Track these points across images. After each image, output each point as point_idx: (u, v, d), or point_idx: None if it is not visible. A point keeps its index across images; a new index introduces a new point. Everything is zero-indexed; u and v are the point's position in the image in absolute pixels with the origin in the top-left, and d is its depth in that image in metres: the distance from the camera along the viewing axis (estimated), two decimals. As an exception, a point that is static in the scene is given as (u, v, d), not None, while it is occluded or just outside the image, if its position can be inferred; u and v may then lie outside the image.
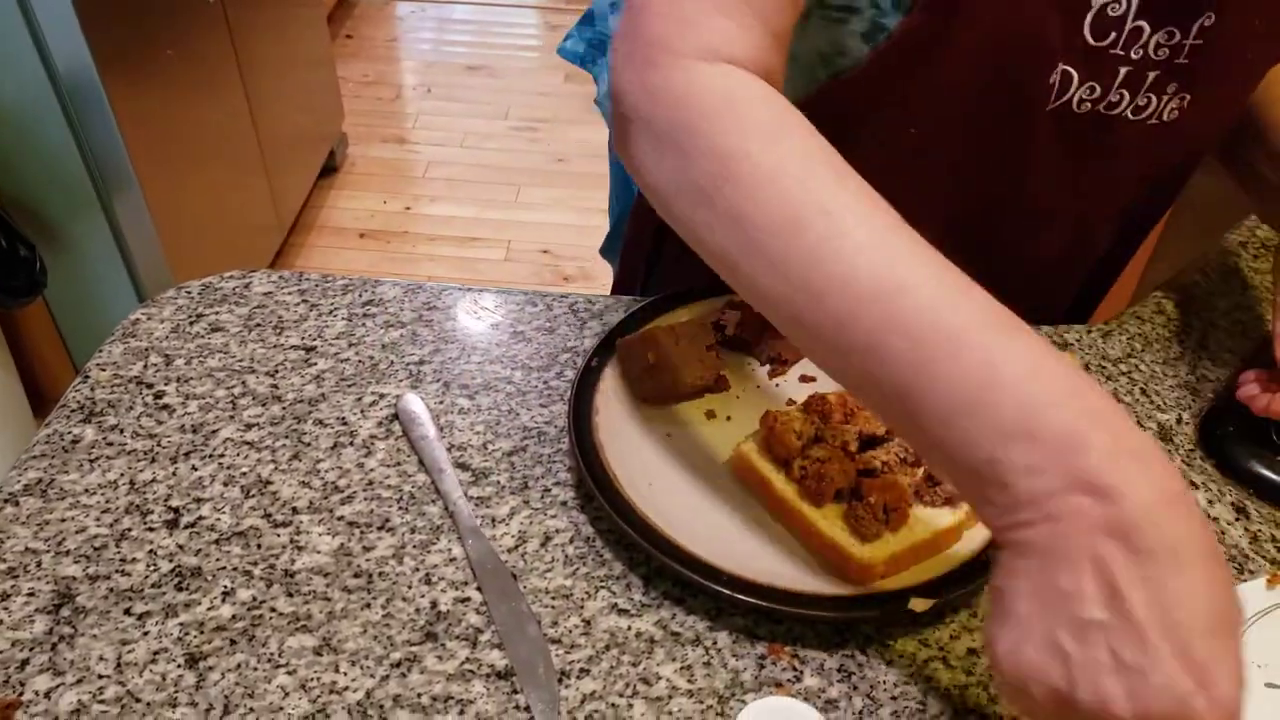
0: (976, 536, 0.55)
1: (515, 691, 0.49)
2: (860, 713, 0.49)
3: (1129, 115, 0.62)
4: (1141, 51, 0.59)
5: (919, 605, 0.51)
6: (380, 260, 2.22)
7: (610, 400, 0.63)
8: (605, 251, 1.02)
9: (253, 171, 1.96)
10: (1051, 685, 0.36)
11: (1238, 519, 0.60)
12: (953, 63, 0.59)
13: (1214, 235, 0.83)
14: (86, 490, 0.58)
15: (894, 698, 0.50)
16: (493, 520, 0.58)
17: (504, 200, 2.40)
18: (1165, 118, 0.62)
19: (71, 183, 1.54)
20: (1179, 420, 0.66)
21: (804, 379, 0.66)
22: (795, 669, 0.51)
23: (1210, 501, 0.61)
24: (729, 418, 0.64)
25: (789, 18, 0.51)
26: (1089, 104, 0.61)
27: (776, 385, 0.66)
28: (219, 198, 1.85)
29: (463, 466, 0.61)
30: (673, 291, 0.71)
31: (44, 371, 1.71)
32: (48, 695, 0.48)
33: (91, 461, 0.60)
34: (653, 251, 0.81)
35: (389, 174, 2.49)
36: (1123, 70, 0.60)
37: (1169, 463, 0.37)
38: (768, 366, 0.67)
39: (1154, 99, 0.61)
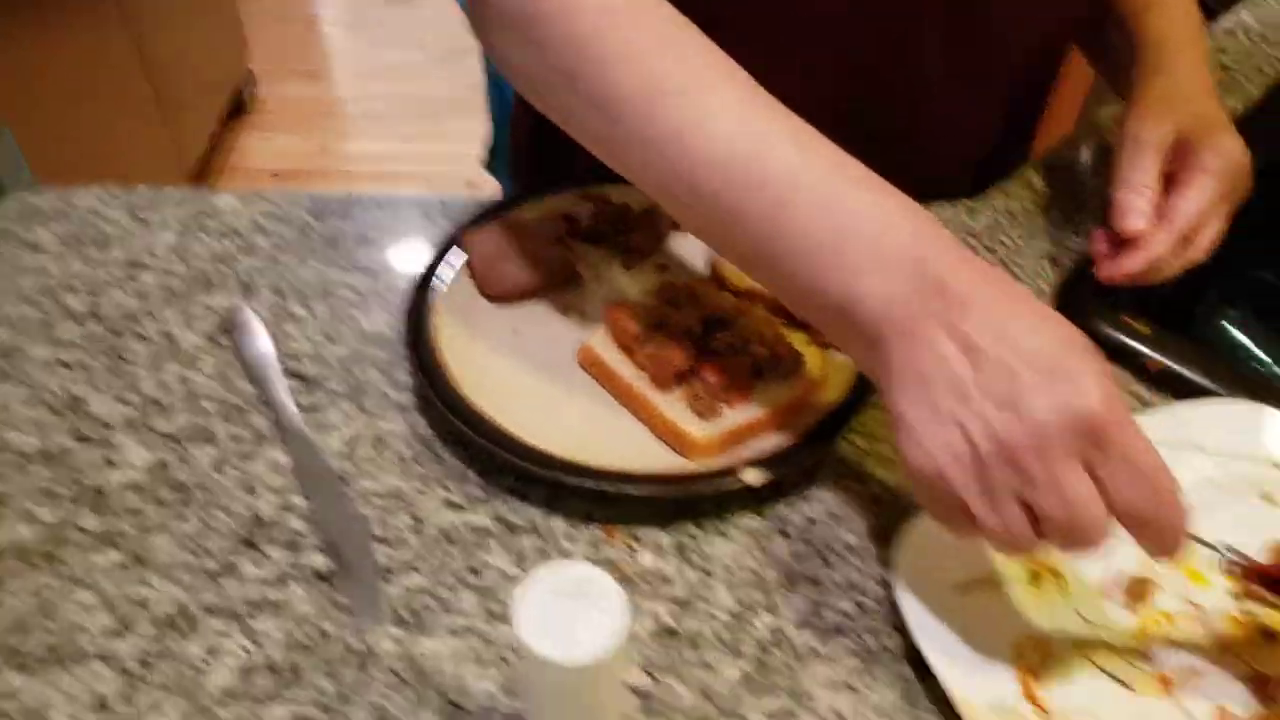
0: (820, 409, 0.54)
1: (336, 590, 0.47)
2: (695, 585, 0.48)
3: None
4: None
5: (752, 477, 0.49)
6: (289, 201, 2.14)
7: (455, 299, 0.60)
8: (490, 166, 0.99)
9: (145, 115, 1.87)
10: (955, 454, 0.39)
11: (1086, 379, 0.59)
12: None
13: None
14: (-121, 419, 0.54)
15: (729, 569, 0.49)
16: (322, 426, 0.55)
17: (426, 133, 2.32)
18: None
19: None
20: (1038, 291, 0.65)
21: (659, 268, 0.64)
22: (631, 549, 0.49)
23: (1060, 364, 0.60)
24: (582, 312, 0.61)
25: None
26: None
27: (632, 278, 0.64)
28: (107, 138, 1.76)
29: (294, 375, 0.58)
30: (524, 190, 0.68)
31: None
32: None
33: (-114, 390, 0.56)
34: (536, 148, 0.78)
35: (304, 112, 2.39)
36: None
37: (982, 261, 0.42)
38: (621, 257, 0.65)
39: None
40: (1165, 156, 0.58)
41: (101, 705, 0.43)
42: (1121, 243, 0.58)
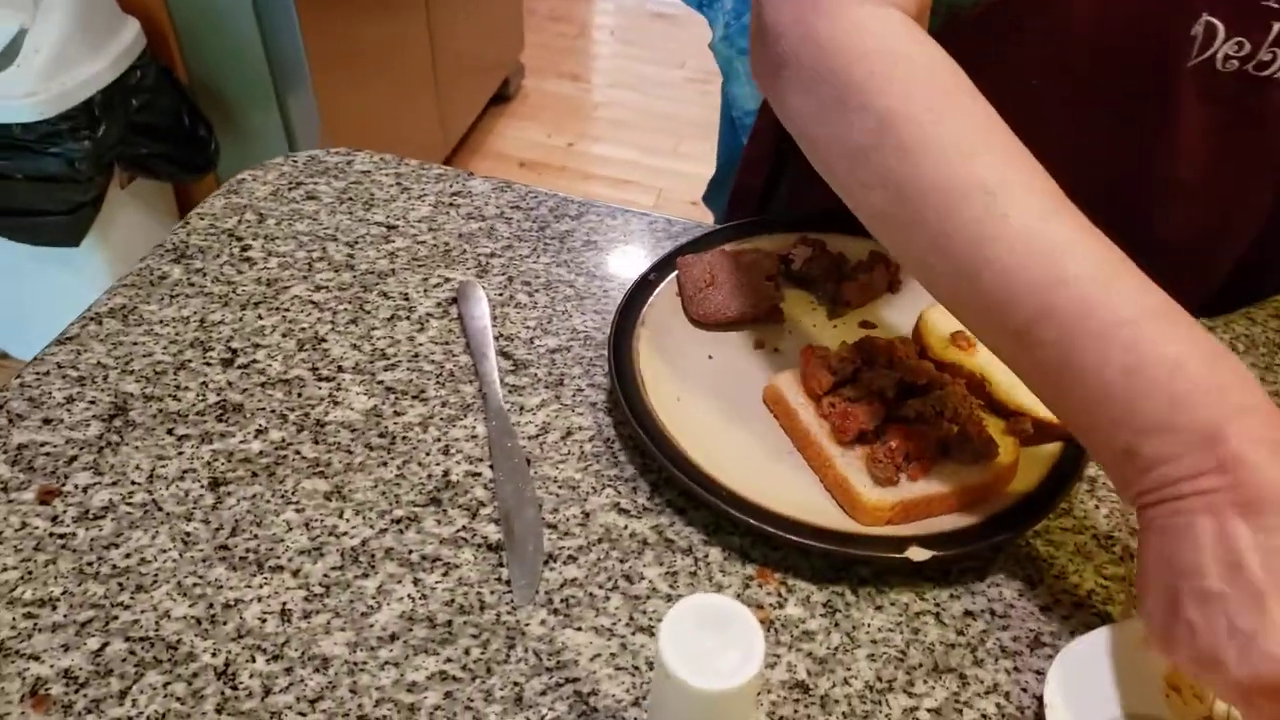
0: (998, 502, 0.52)
1: (501, 565, 0.50)
2: (836, 649, 0.48)
3: None
4: None
5: (917, 554, 0.48)
6: (530, 190, 2.27)
7: (660, 315, 0.63)
8: (707, 199, 1.01)
9: (424, 90, 2.04)
10: (1178, 652, 0.39)
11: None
12: (1082, 3, 0.55)
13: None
14: (161, 321, 0.63)
15: (874, 641, 0.48)
16: (521, 408, 0.59)
17: (663, 148, 2.40)
18: None
19: (253, 75, 1.64)
20: None
21: (863, 324, 0.64)
22: (780, 596, 0.50)
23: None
24: (776, 349, 0.62)
25: None
26: (1235, 62, 0.55)
27: (834, 327, 0.64)
28: (388, 110, 1.93)
29: (506, 355, 0.62)
30: (749, 220, 0.69)
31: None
32: (85, 490, 0.52)
33: (171, 297, 0.65)
34: (761, 201, 0.79)
35: (559, 109, 2.53)
36: (1276, 26, 0.54)
37: None
38: (827, 307, 0.65)
39: None
40: None
41: (284, 613, 0.48)
42: None
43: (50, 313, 1.66)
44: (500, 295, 0.66)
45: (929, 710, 0.46)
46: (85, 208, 1.47)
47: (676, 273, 0.64)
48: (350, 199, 0.74)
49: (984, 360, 0.57)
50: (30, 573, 0.48)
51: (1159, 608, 0.40)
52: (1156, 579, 0.40)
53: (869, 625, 0.49)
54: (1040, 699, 0.45)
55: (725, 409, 0.57)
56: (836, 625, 0.49)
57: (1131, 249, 0.42)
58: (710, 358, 0.61)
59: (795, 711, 0.45)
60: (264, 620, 0.47)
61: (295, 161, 0.77)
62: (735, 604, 0.38)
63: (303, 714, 0.44)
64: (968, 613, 0.49)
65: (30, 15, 1.40)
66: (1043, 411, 0.54)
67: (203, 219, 0.71)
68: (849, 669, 0.47)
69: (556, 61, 2.70)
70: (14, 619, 0.46)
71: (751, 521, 0.50)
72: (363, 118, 1.84)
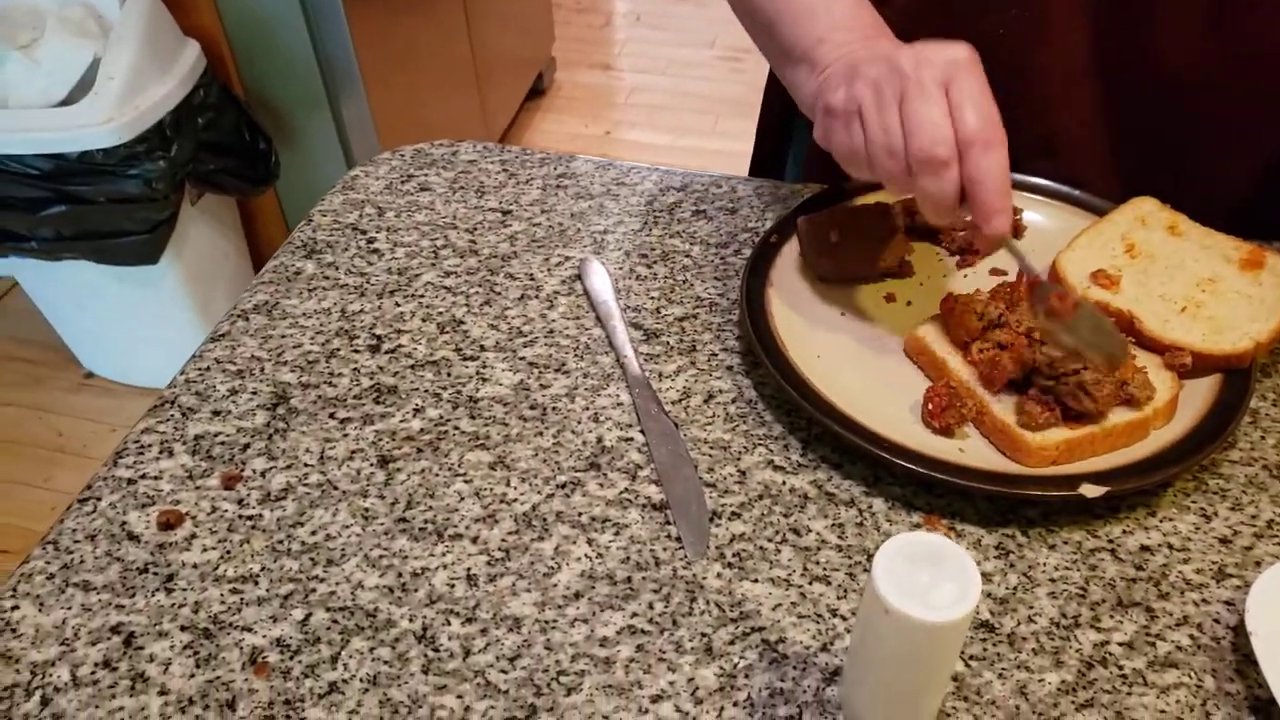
0: (1163, 436, 0.52)
1: (668, 523, 0.51)
2: (1015, 589, 0.48)
3: None
4: None
5: (1090, 491, 0.49)
6: (575, 181, 2.28)
7: (786, 276, 0.63)
8: (756, 172, 1.01)
9: (467, 87, 2.06)
10: (862, 83, 0.51)
11: None
12: None
13: None
14: (304, 314, 0.64)
15: (1053, 580, 0.48)
16: (659, 375, 0.60)
17: (701, 129, 2.41)
18: None
19: (307, 83, 1.67)
20: None
21: (994, 272, 0.64)
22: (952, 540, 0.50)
23: None
24: (909, 303, 0.62)
25: None
26: None
27: (964, 276, 0.64)
28: (435, 108, 1.96)
29: (635, 326, 0.63)
30: (863, 182, 0.70)
31: (271, 254, 1.89)
32: (263, 475, 0.54)
33: (310, 290, 0.66)
34: (783, 131, 0.81)
35: (593, 99, 2.55)
36: None
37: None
38: (956, 257, 0.65)
39: None
40: None
41: (470, 578, 0.49)
42: None
43: (132, 330, 1.71)
44: (620, 269, 0.67)
45: (1120, 644, 0.46)
46: (162, 226, 1.50)
47: (798, 233, 0.65)
48: (462, 188, 0.75)
49: (1131, 298, 0.57)
50: (229, 552, 0.50)
51: (835, 76, 0.54)
52: (832, 82, 0.53)
53: (1045, 564, 0.49)
54: (1235, 629, 0.45)
55: (867, 363, 0.58)
56: (1012, 566, 0.49)
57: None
58: (843, 314, 0.61)
59: (985, 650, 0.46)
60: (452, 586, 0.49)
61: (403, 155, 0.79)
62: (945, 540, 0.39)
63: (504, 672, 0.45)
64: (1144, 548, 0.50)
65: (102, 44, 1.44)
66: (1199, 345, 0.54)
67: (325, 215, 0.73)
68: (1031, 607, 0.47)
69: (587, 52, 2.72)
70: (222, 594, 0.48)
71: (917, 469, 0.50)
72: (411, 119, 1.86)
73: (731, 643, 0.46)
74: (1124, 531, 0.50)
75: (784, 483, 0.53)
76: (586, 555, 0.50)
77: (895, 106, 0.49)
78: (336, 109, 1.72)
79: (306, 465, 0.55)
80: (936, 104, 0.48)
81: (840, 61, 0.55)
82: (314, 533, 0.51)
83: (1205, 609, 0.47)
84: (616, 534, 0.51)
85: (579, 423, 0.57)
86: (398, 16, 1.77)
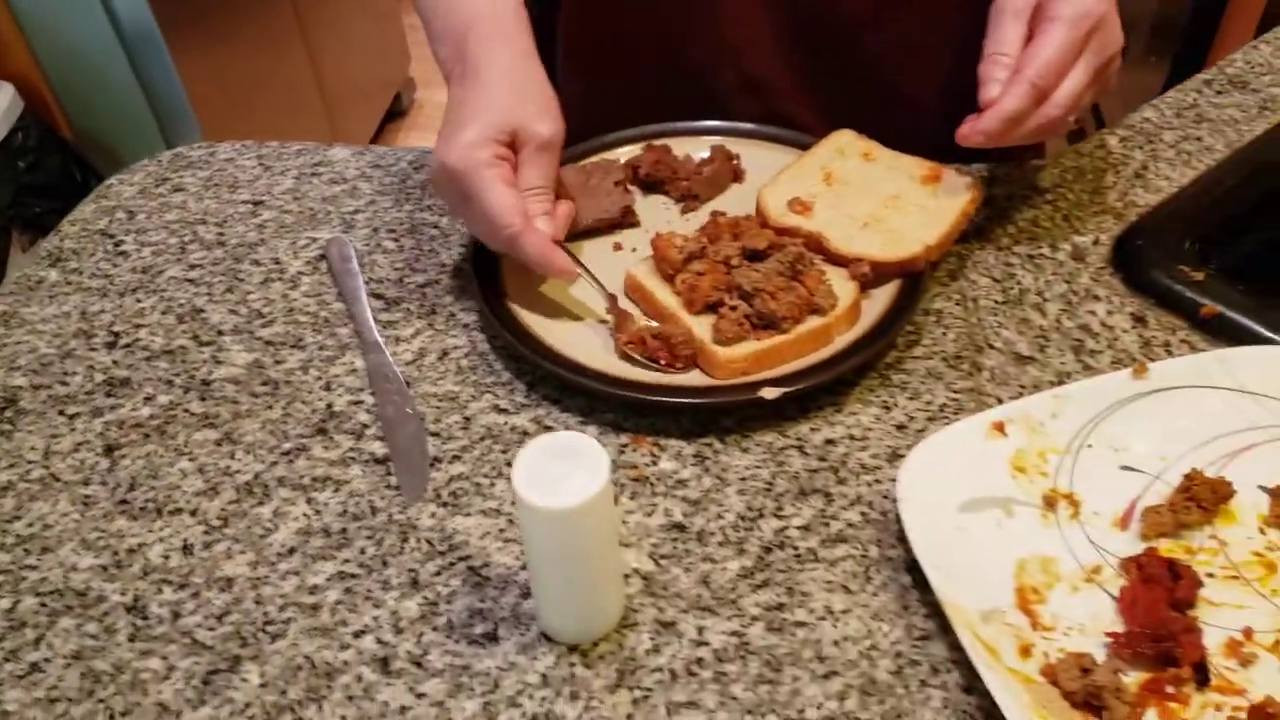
0: (845, 340, 0.56)
1: (389, 474, 0.53)
2: (707, 491, 0.51)
3: None
4: None
5: (769, 393, 0.52)
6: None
7: (521, 234, 0.65)
8: None
9: (314, 116, 2.04)
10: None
11: (1134, 326, 0.58)
12: None
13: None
14: (42, 320, 0.64)
15: (743, 478, 0.52)
16: (397, 339, 0.61)
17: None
18: None
19: (137, 121, 1.64)
20: (1095, 241, 0.64)
21: (715, 214, 0.67)
22: (654, 456, 0.53)
23: (1109, 312, 0.59)
24: (634, 249, 0.65)
25: None
26: None
27: (687, 221, 0.67)
28: (282, 137, 1.93)
29: (377, 296, 0.65)
30: (594, 141, 0.72)
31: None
32: (-16, 475, 0.54)
33: (50, 298, 0.66)
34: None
35: (454, 117, 2.54)
36: None
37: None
38: (680, 204, 0.69)
39: None
40: (1025, 21, 0.56)
41: (185, 548, 0.50)
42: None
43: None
44: (367, 245, 0.69)
45: (798, 527, 0.49)
46: (-13, 272, 1.46)
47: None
48: (216, 185, 0.76)
49: (822, 221, 0.61)
50: (-69, 550, 0.50)
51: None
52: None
53: (737, 466, 0.52)
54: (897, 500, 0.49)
55: (590, 309, 0.61)
56: (707, 471, 0.52)
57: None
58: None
59: (675, 549, 0.49)
60: (167, 557, 0.50)
61: (160, 161, 0.79)
62: (582, 436, 0.41)
63: (211, 629, 0.46)
64: (828, 441, 0.53)
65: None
66: (877, 254, 0.58)
67: (74, 224, 0.73)
68: (721, 505, 0.50)
69: (446, 68, 2.71)
70: (-81, 591, 0.48)
71: (619, 392, 0.53)
72: (252, 145, 1.84)
73: (438, 574, 0.48)
74: (811, 429, 0.54)
75: (506, 423, 0.56)
76: (304, 514, 0.51)
77: (465, 208, 0.57)
78: (172, 145, 1.69)
79: (30, 462, 0.55)
80: (493, 196, 0.55)
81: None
82: (30, 525, 0.51)
83: (876, 488, 0.51)
84: (336, 490, 0.53)
85: (310, 392, 0.58)
86: (230, 48, 1.75)
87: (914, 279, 0.58)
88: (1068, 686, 0.40)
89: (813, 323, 0.56)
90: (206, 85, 1.67)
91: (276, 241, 0.70)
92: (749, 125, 0.71)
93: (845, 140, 0.67)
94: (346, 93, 2.15)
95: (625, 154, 0.70)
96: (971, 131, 0.56)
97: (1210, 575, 0.45)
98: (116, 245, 0.70)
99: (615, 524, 0.48)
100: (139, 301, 0.65)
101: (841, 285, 0.58)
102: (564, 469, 0.40)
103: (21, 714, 0.44)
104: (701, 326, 0.56)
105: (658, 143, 0.70)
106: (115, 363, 0.61)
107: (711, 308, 0.57)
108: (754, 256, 0.59)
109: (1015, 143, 0.56)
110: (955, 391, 0.56)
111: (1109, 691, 0.39)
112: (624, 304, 0.60)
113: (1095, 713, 0.40)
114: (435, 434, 0.55)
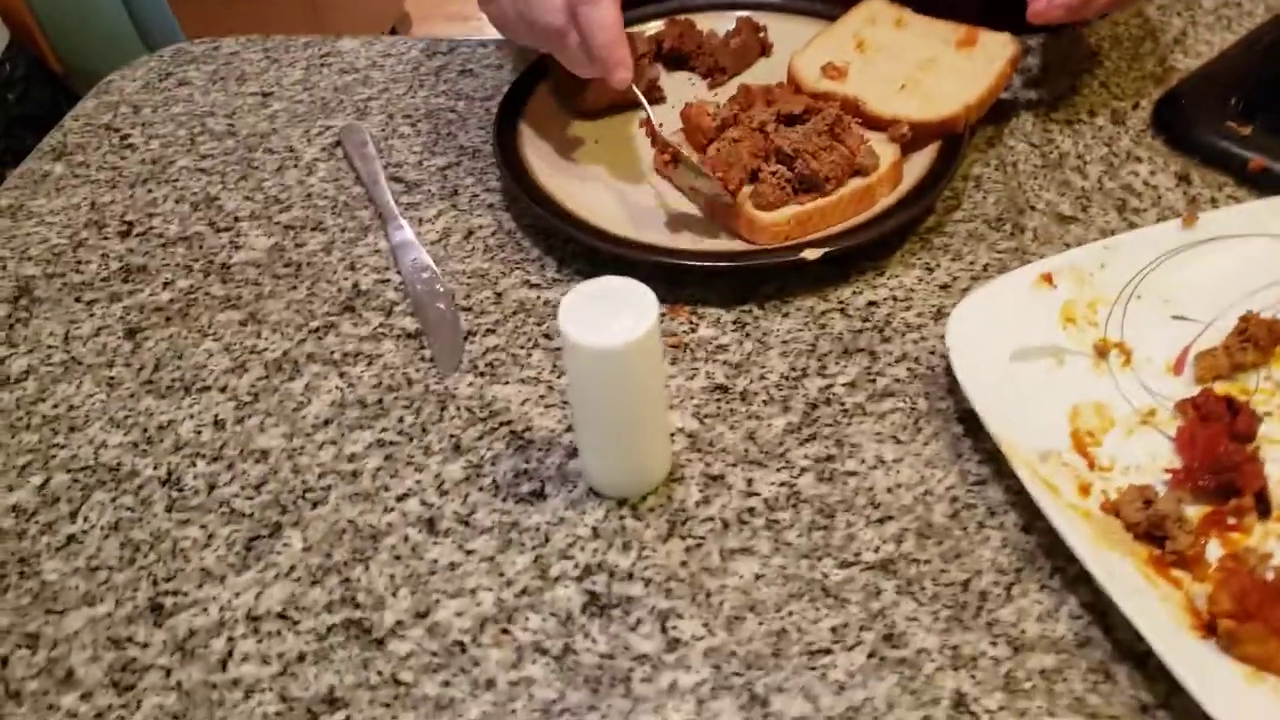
0: (888, 203, 0.54)
1: (423, 347, 0.52)
2: (749, 354, 0.50)
3: None
4: None
5: (811, 253, 0.51)
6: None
7: (541, 112, 0.63)
8: None
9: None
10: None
11: (1178, 184, 0.57)
12: None
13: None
14: (51, 211, 0.62)
15: (784, 341, 0.50)
16: (420, 220, 0.60)
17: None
18: None
19: (130, 56, 1.59)
20: (1135, 106, 0.62)
21: (744, 85, 0.65)
22: (692, 324, 0.52)
23: (1152, 172, 0.58)
24: (661, 125, 0.63)
25: None
26: None
27: (714, 95, 0.65)
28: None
29: (397, 180, 0.63)
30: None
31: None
32: (1, 362, 0.53)
33: (58, 190, 0.64)
34: None
35: (448, 47, 2.48)
36: None
37: None
38: (708, 79, 0.66)
39: None
40: None
41: (217, 423, 0.49)
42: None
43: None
44: (383, 131, 0.67)
45: (844, 385, 0.48)
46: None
47: (550, 71, 0.65)
48: (222, 78, 0.73)
49: (857, 86, 0.59)
50: (-43, 430, 0.49)
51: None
52: None
53: (778, 330, 0.51)
54: (948, 357, 0.48)
55: (619, 181, 0.59)
56: (747, 336, 0.51)
57: None
58: (596, 142, 0.62)
59: (719, 408, 0.48)
60: (199, 432, 0.48)
61: (163, 56, 0.76)
62: (628, 280, 0.40)
63: (250, 499, 0.45)
64: (871, 303, 0.52)
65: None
66: (916, 115, 0.56)
67: (77, 120, 0.70)
68: (763, 367, 0.49)
69: (443, 3, 2.64)
70: (-51, 469, 0.47)
71: (654, 259, 0.52)
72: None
73: (480, 438, 0.47)
74: (854, 292, 0.52)
75: (538, 297, 0.54)
76: (337, 387, 0.50)
77: None
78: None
79: (50, 347, 0.53)
80: None
81: None
82: (55, 406, 0.50)
83: (923, 345, 0.49)
84: (369, 365, 0.51)
85: (334, 272, 0.57)
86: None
87: (953, 141, 0.56)
88: (1131, 518, 0.39)
89: (855, 184, 0.54)
90: (198, 17, 1.62)
91: (289, 130, 0.68)
92: (777, -2, 0.68)
93: (877, 8, 0.64)
94: (343, 27, 2.10)
95: (649, 30, 0.68)
96: (1049, 6, 0.54)
97: (1268, 414, 0.44)
98: (123, 139, 0.68)
99: (663, 369, 0.47)
100: (150, 192, 0.63)
101: (882, 147, 0.56)
102: (611, 310, 0.39)
103: (62, 583, 0.43)
104: (741, 196, 0.55)
105: (680, 18, 0.68)
106: (130, 250, 0.59)
107: (753, 178, 0.55)
108: (790, 121, 0.57)
109: (1091, 15, 0.54)
110: (999, 252, 0.54)
111: (1172, 521, 0.39)
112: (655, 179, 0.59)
113: (1157, 543, 0.39)
114: (467, 309, 0.54)
